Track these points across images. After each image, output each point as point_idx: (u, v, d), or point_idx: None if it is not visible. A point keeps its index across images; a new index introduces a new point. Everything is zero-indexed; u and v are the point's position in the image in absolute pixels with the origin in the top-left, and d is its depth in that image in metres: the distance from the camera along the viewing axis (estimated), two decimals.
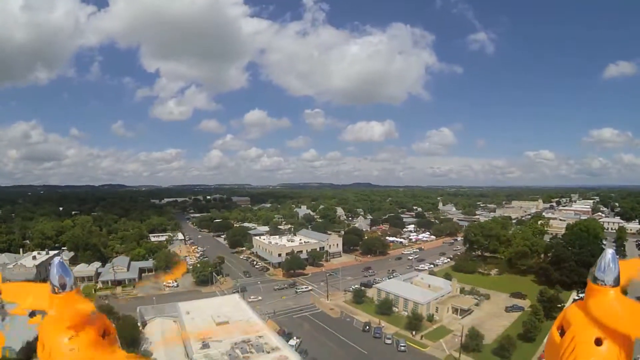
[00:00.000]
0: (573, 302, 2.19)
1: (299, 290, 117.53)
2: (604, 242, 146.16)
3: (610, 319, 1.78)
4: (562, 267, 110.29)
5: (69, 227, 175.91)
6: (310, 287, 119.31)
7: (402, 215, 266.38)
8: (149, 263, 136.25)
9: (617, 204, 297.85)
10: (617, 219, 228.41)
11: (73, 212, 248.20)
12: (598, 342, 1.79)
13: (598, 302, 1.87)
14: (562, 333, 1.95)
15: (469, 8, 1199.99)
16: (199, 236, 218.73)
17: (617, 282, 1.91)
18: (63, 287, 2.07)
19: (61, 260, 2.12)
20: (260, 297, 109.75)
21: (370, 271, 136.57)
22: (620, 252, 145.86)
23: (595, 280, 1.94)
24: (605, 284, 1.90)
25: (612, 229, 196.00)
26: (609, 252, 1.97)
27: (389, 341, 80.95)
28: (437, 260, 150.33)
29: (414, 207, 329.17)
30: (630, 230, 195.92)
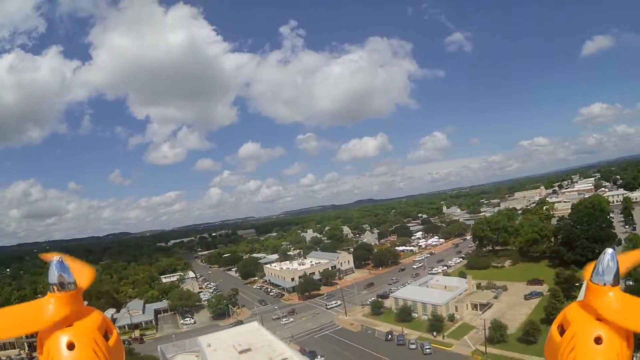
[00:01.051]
0: (574, 301, 2.02)
1: (329, 306, 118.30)
2: (612, 214, 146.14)
3: (610, 313, 1.79)
4: (574, 246, 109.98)
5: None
6: (339, 302, 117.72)
7: (408, 225, 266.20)
8: (163, 304, 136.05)
9: (618, 177, 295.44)
10: (621, 191, 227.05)
11: None
12: (598, 340, 1.78)
13: (598, 301, 1.87)
14: (562, 332, 1.94)
15: (440, 12, 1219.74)
16: (210, 272, 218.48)
17: (616, 281, 1.89)
18: (62, 286, 2.00)
19: (60, 259, 2.04)
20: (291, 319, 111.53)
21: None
22: (630, 222, 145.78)
23: (595, 280, 1.92)
24: (605, 284, 1.88)
25: (617, 201, 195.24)
26: (609, 252, 1.91)
27: (413, 346, 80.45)
28: (450, 262, 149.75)
29: (419, 215, 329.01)
30: (636, 199, 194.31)
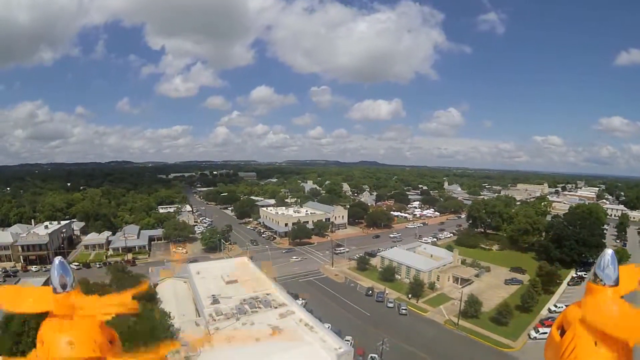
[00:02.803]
0: (573, 302, 1.99)
1: (338, 251, 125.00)
2: (606, 226, 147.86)
3: (607, 325, 1.78)
4: (563, 245, 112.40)
5: (79, 200, 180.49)
6: (347, 249, 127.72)
7: (407, 193, 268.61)
8: (158, 232, 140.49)
9: (622, 193, 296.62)
10: (621, 207, 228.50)
11: (81, 187, 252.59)
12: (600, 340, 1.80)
13: (596, 304, 1.89)
14: (562, 333, 1.97)
15: None
16: (206, 208, 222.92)
17: (616, 282, 1.93)
18: (64, 286, 2.08)
19: (61, 259, 2.16)
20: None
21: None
22: (622, 237, 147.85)
23: (594, 280, 1.96)
24: (605, 284, 1.92)
25: (615, 215, 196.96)
26: (609, 252, 1.98)
27: (390, 305, 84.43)
28: (440, 235, 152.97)
29: (420, 186, 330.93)
30: (634, 218, 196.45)
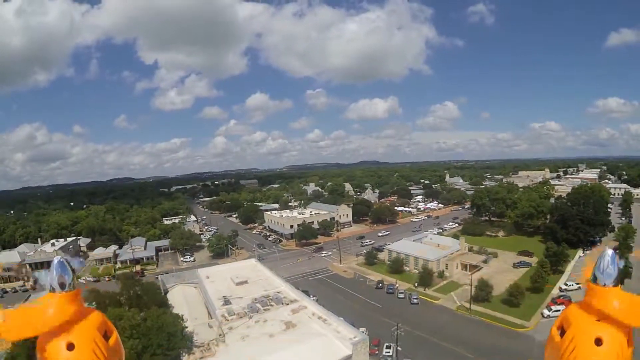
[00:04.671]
0: (575, 302, 2.15)
1: (364, 242, 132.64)
2: (610, 205, 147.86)
3: (610, 309, 1.81)
4: (568, 225, 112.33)
5: (83, 217, 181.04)
6: (372, 240, 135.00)
7: (409, 188, 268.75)
8: (165, 242, 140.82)
9: (624, 172, 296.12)
10: (624, 185, 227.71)
11: (84, 206, 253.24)
12: (598, 342, 1.80)
13: (599, 301, 1.90)
14: (563, 333, 1.96)
15: None
16: (210, 217, 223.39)
17: (617, 282, 1.93)
18: (62, 286, 2.04)
19: (61, 259, 2.11)
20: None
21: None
22: (627, 214, 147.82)
23: (595, 280, 1.96)
24: (606, 285, 1.92)
25: (618, 194, 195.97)
26: (609, 253, 1.99)
27: (401, 295, 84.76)
28: (446, 226, 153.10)
29: (422, 181, 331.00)
30: (637, 195, 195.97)
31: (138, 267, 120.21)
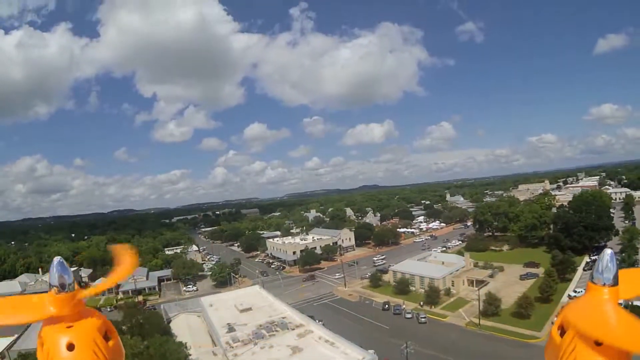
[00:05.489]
0: (570, 298, 2.24)
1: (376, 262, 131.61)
2: (612, 210, 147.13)
3: (605, 334, 1.75)
4: (572, 233, 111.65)
5: (85, 248, 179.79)
6: (385, 259, 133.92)
7: (411, 209, 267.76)
8: (167, 272, 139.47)
9: (623, 177, 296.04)
10: (625, 189, 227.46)
11: (85, 237, 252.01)
12: (598, 342, 1.77)
13: (593, 306, 1.88)
14: (563, 333, 1.95)
15: (453, 0, 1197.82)
16: (212, 247, 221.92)
17: (615, 281, 1.92)
18: (63, 287, 2.03)
19: (61, 259, 2.09)
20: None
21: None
22: (630, 217, 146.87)
23: (593, 279, 1.96)
24: (604, 284, 1.92)
25: (620, 199, 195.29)
26: (608, 252, 1.97)
27: (409, 315, 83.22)
28: (449, 244, 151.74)
29: (422, 201, 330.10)
30: (638, 198, 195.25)
31: (140, 298, 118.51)
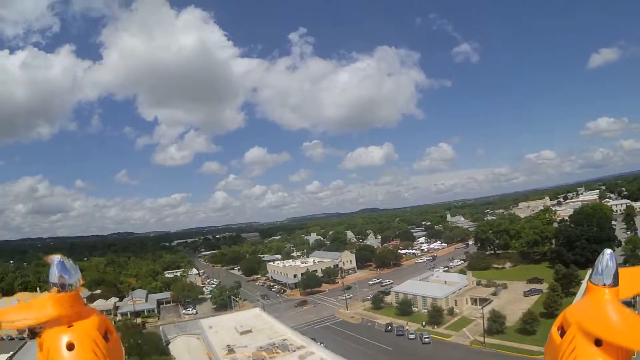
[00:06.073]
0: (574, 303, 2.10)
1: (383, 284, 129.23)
2: (614, 222, 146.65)
3: (606, 331, 1.75)
4: (574, 246, 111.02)
5: (84, 269, 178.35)
6: (392, 280, 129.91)
7: (411, 230, 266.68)
8: (166, 295, 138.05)
9: (623, 189, 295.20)
10: (625, 201, 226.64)
11: (85, 258, 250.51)
12: (598, 342, 1.78)
13: (593, 306, 1.87)
14: (562, 333, 1.95)
15: (447, 22, 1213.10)
16: (212, 270, 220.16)
17: (615, 282, 1.90)
18: (63, 287, 2.03)
19: (61, 259, 2.10)
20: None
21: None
22: (631, 228, 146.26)
23: (594, 280, 1.95)
24: (604, 284, 1.90)
25: (620, 210, 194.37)
26: (607, 252, 1.95)
27: (412, 336, 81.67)
28: (451, 264, 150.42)
29: (423, 222, 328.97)
30: (639, 209, 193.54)
31: (139, 320, 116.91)
